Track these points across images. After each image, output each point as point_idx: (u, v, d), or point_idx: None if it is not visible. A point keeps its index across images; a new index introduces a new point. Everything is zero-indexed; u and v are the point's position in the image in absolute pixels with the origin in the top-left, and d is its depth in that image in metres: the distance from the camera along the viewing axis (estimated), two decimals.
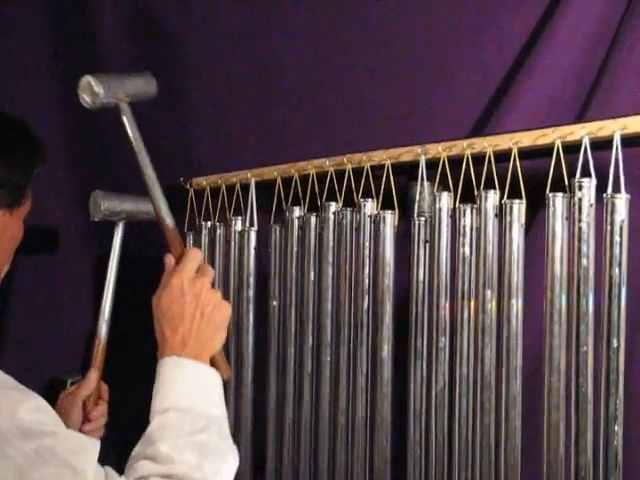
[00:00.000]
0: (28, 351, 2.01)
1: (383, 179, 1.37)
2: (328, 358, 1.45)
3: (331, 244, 1.45)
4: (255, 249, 1.59)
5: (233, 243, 1.62)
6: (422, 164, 1.33)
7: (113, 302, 1.40)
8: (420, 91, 1.55)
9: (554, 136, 1.18)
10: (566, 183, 1.17)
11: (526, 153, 1.23)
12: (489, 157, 1.24)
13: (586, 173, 1.15)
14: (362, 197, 1.40)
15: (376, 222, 1.38)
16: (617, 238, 1.11)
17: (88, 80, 1.13)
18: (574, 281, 1.15)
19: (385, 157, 1.37)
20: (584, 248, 1.14)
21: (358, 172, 1.41)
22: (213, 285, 1.09)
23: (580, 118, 1.34)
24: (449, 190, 1.29)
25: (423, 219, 1.32)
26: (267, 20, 1.74)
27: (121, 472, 0.95)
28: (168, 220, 1.12)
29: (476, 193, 1.25)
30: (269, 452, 1.55)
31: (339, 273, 1.44)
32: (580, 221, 1.14)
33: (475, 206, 1.25)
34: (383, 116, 1.58)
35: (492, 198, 1.24)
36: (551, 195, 1.17)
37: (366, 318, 1.39)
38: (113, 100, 1.15)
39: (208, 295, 1.06)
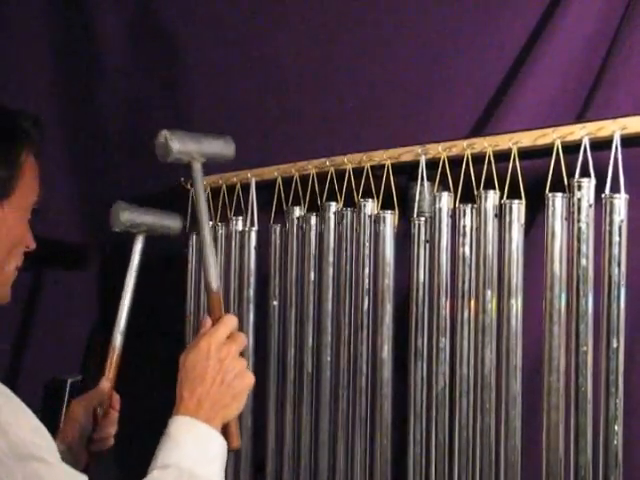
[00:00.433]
0: (28, 351, 2.02)
1: (383, 179, 1.37)
2: (328, 358, 1.45)
3: (331, 244, 1.45)
4: (255, 249, 1.59)
5: (234, 243, 1.62)
6: (422, 164, 1.33)
7: (129, 313, 1.38)
8: (420, 91, 1.55)
9: (554, 136, 1.18)
10: (565, 183, 1.17)
11: (526, 153, 1.23)
12: (489, 157, 1.24)
13: (585, 173, 1.15)
14: (362, 197, 1.40)
15: (376, 222, 1.38)
16: (616, 238, 1.12)
17: (165, 135, 1.14)
18: (574, 281, 1.15)
19: (385, 157, 1.37)
20: (583, 248, 1.14)
21: (358, 172, 1.41)
22: (242, 354, 1.11)
23: (580, 118, 1.33)
24: (449, 190, 1.30)
25: (423, 219, 1.32)
26: (268, 20, 1.74)
27: None
28: (214, 284, 1.14)
29: (476, 193, 1.25)
30: (269, 452, 1.55)
31: (339, 273, 1.44)
32: (579, 221, 1.14)
33: (475, 206, 1.25)
34: (383, 116, 1.58)
35: (492, 198, 1.24)
36: (550, 195, 1.17)
37: (366, 318, 1.39)
38: (186, 158, 1.17)
39: (233, 362, 1.08)
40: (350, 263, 1.42)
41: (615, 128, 1.13)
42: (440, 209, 1.29)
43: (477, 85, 1.49)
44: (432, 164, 1.32)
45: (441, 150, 1.30)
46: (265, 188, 1.57)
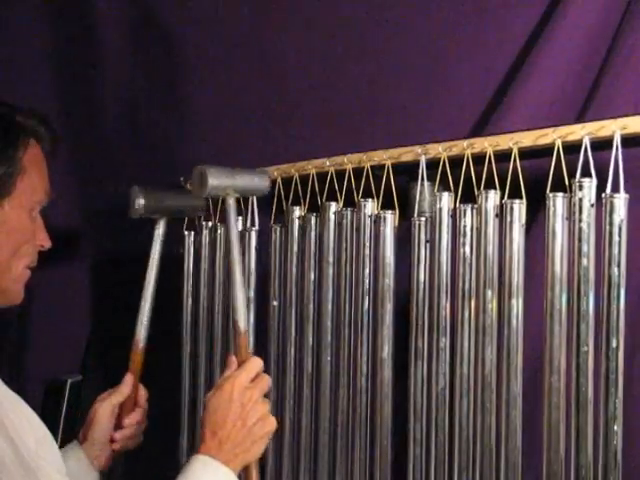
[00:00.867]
0: (28, 351, 2.02)
1: (383, 179, 1.37)
2: (328, 358, 1.45)
3: (331, 244, 1.45)
4: (255, 249, 1.59)
5: None
6: (422, 164, 1.33)
7: (153, 304, 1.35)
8: (420, 91, 1.55)
9: (554, 136, 1.18)
10: (566, 183, 1.17)
11: (526, 153, 1.23)
12: (489, 157, 1.24)
13: (586, 173, 1.15)
14: (362, 197, 1.40)
15: (376, 222, 1.38)
16: (616, 238, 1.11)
17: (201, 171, 1.15)
18: (574, 281, 1.15)
19: (385, 157, 1.37)
20: (584, 248, 1.14)
21: (358, 172, 1.41)
22: (267, 395, 1.13)
23: (580, 118, 1.34)
24: (449, 190, 1.29)
25: (423, 219, 1.32)
26: (268, 20, 1.74)
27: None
28: (242, 325, 1.15)
29: (476, 193, 1.25)
30: (269, 452, 1.55)
31: (339, 273, 1.44)
32: (580, 221, 1.14)
33: (475, 206, 1.25)
34: (383, 116, 1.58)
35: (492, 198, 1.24)
36: (551, 195, 1.17)
37: (366, 318, 1.39)
38: (221, 193, 1.18)
39: (255, 407, 1.10)
40: (350, 263, 1.42)
41: (615, 128, 1.13)
42: (440, 209, 1.29)
43: (477, 85, 1.49)
44: (432, 164, 1.32)
45: (441, 150, 1.30)
46: None
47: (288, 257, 1.52)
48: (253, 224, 1.58)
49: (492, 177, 1.24)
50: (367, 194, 1.39)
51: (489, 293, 1.24)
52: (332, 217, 1.45)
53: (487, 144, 1.25)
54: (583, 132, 1.16)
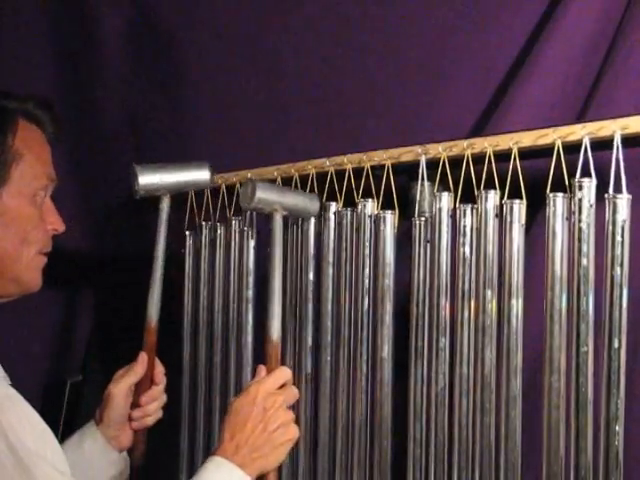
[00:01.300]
0: (28, 351, 2.01)
1: (383, 179, 1.37)
2: (328, 358, 1.45)
3: (331, 244, 1.45)
4: (255, 249, 1.59)
5: (233, 243, 1.62)
6: (422, 164, 1.33)
7: (162, 282, 1.34)
8: (420, 91, 1.55)
9: (554, 136, 1.18)
10: (566, 183, 1.17)
11: (526, 153, 1.23)
12: (489, 157, 1.24)
13: (586, 173, 1.15)
14: (362, 197, 1.39)
15: (376, 222, 1.37)
16: (619, 238, 1.11)
17: (251, 186, 1.17)
18: (574, 281, 1.15)
19: (385, 157, 1.37)
20: (584, 248, 1.14)
21: (358, 172, 1.41)
22: (293, 408, 1.13)
23: (580, 118, 1.33)
24: (449, 190, 1.29)
25: (423, 219, 1.32)
26: (268, 21, 1.74)
27: None
28: (275, 335, 1.18)
29: (476, 193, 1.25)
30: None
31: (339, 273, 1.44)
32: (580, 221, 1.14)
33: (475, 206, 1.25)
34: (383, 116, 1.58)
35: (492, 198, 1.23)
36: (551, 195, 1.17)
37: (366, 318, 1.39)
38: (268, 209, 1.20)
39: (278, 413, 1.09)
40: (350, 263, 1.42)
41: (616, 128, 1.13)
42: (440, 209, 1.29)
43: (477, 85, 1.49)
44: (432, 164, 1.32)
45: (441, 150, 1.30)
46: None
47: (288, 257, 1.52)
48: (252, 224, 1.58)
49: (492, 177, 1.24)
50: (367, 194, 1.39)
51: (489, 293, 1.24)
52: (332, 217, 1.45)
53: (487, 144, 1.25)
54: (583, 132, 1.16)
